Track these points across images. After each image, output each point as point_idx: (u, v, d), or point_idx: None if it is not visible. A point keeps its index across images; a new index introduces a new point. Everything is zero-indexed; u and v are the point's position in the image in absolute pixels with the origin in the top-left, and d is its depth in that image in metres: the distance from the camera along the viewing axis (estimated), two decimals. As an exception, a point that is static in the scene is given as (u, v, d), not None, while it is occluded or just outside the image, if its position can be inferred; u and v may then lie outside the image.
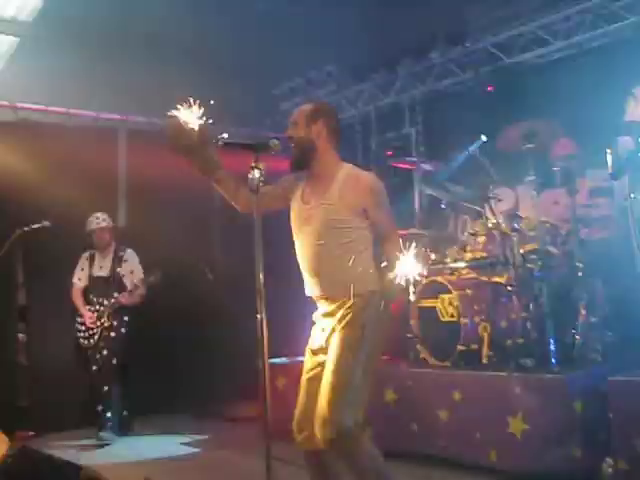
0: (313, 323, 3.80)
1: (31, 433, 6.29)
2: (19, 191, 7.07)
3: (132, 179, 8.21)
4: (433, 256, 6.31)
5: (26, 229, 6.40)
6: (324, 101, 4.37)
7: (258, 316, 3.13)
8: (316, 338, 3.72)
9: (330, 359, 3.54)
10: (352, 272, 3.58)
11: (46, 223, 6.41)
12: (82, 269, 7.19)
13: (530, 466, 4.77)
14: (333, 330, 3.61)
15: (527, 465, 4.79)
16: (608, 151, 5.51)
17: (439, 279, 5.86)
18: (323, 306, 3.70)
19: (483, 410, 5.10)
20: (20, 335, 6.59)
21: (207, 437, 6.99)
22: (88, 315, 6.99)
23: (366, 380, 3.53)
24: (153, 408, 7.50)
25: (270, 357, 3.20)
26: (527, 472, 4.77)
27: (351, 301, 3.56)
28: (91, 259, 7.20)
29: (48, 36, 7.46)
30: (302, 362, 3.80)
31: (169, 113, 3.34)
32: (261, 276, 3.17)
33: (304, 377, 3.72)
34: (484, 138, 6.34)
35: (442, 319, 5.75)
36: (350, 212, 3.60)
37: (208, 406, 7.77)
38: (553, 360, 5.14)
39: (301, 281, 3.77)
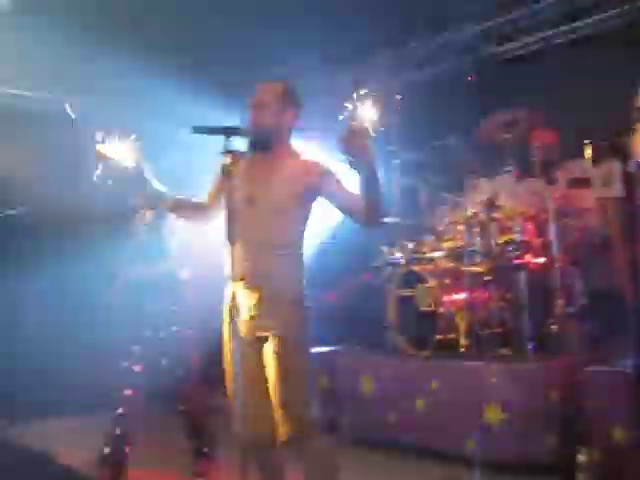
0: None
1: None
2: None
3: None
4: (411, 245, 6.28)
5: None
6: (291, 83, 4.09)
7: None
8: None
9: (275, 368, 3.37)
10: (284, 269, 3.44)
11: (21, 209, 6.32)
12: None
13: (507, 455, 4.77)
14: (264, 334, 3.42)
15: (504, 454, 4.79)
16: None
17: (417, 268, 5.85)
18: (242, 291, 3.40)
19: (460, 399, 5.10)
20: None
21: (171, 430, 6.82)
22: None
23: (310, 375, 3.48)
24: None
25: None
26: (504, 461, 4.75)
27: (281, 294, 3.41)
28: None
29: (25, 20, 7.36)
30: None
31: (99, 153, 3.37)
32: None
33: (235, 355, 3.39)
34: None
35: (420, 308, 5.73)
36: (295, 201, 3.43)
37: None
38: (530, 349, 5.15)
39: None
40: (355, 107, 3.01)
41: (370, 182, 3.15)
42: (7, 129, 7.43)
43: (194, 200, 3.77)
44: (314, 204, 3.51)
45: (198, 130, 3.19)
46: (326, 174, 3.44)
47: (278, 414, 3.37)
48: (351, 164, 3.04)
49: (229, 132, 3.19)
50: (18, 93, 7.89)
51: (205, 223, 3.76)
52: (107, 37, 6.61)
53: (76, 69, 7.40)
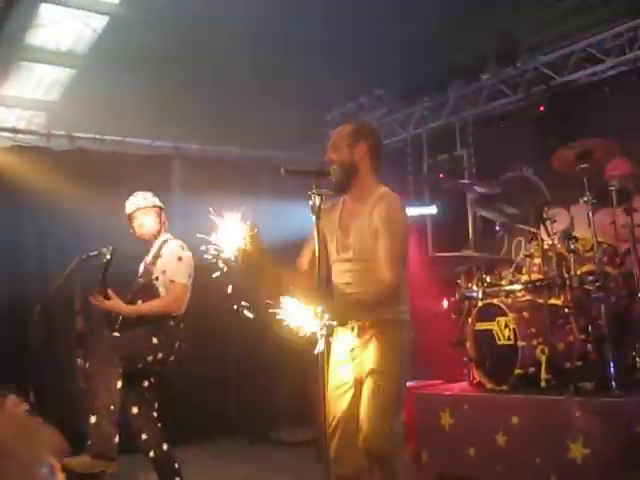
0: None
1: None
2: (76, 219, 7.21)
3: (186, 207, 8.30)
4: (488, 278, 6.26)
5: (84, 257, 6.49)
6: (365, 121, 4.36)
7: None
8: (339, 352, 3.69)
9: (369, 386, 3.54)
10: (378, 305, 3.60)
11: (104, 250, 6.50)
12: None
13: (591, 492, 4.68)
14: (360, 352, 3.60)
15: (588, 490, 4.70)
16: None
17: (495, 301, 5.80)
18: (341, 330, 3.62)
19: (542, 435, 5.02)
20: (79, 360, 6.69)
21: (263, 462, 6.95)
22: None
23: (401, 402, 3.63)
24: (207, 432, 7.55)
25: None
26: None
27: (378, 324, 3.56)
28: None
29: (103, 67, 7.67)
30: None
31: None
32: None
33: (334, 392, 3.66)
34: None
35: (498, 342, 5.69)
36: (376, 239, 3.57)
37: (265, 430, 7.78)
38: (613, 383, 5.06)
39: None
40: None
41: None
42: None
43: (298, 272, 3.78)
44: None
45: (290, 172, 3.31)
46: (385, 217, 3.55)
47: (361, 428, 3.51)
48: None
49: (318, 174, 3.32)
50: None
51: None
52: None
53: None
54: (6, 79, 8.36)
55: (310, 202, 3.22)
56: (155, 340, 4.81)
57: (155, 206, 5.25)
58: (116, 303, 4.91)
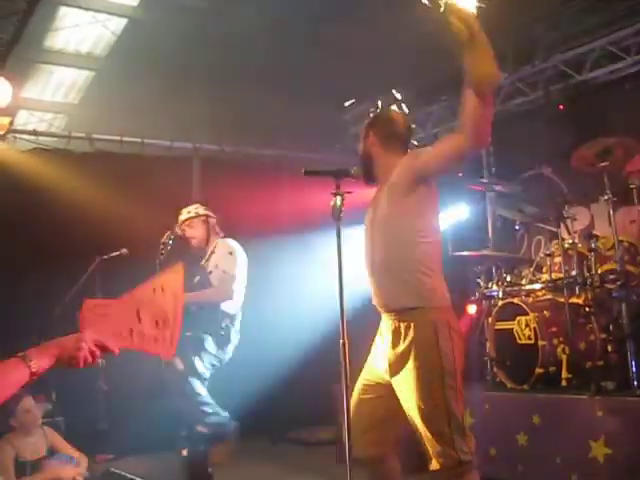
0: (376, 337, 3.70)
1: (111, 456, 6.41)
2: (97, 220, 7.25)
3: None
4: (508, 278, 6.23)
5: (104, 257, 6.54)
6: (380, 109, 4.48)
7: (341, 341, 3.14)
8: (378, 356, 3.62)
9: (415, 395, 3.35)
10: (410, 282, 3.46)
11: (124, 251, 6.54)
12: None
13: (613, 491, 4.65)
14: (402, 356, 3.42)
15: (610, 490, 4.67)
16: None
17: (515, 301, 5.78)
18: (385, 319, 3.58)
19: (563, 434, 4.99)
20: (99, 360, 6.72)
21: (283, 461, 6.96)
22: None
23: (458, 402, 3.37)
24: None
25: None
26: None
27: (413, 319, 3.40)
28: None
29: (122, 69, 7.71)
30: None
31: None
32: (343, 302, 3.16)
33: (359, 395, 3.63)
34: None
35: (519, 341, 5.67)
36: (403, 208, 3.49)
37: (286, 431, 7.79)
38: (635, 383, 5.02)
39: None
40: None
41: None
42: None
43: None
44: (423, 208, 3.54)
45: (310, 172, 3.34)
46: (414, 158, 3.55)
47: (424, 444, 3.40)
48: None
49: (339, 173, 3.34)
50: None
51: None
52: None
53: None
54: (26, 82, 8.42)
55: (331, 202, 3.25)
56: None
57: (199, 215, 5.72)
58: None
